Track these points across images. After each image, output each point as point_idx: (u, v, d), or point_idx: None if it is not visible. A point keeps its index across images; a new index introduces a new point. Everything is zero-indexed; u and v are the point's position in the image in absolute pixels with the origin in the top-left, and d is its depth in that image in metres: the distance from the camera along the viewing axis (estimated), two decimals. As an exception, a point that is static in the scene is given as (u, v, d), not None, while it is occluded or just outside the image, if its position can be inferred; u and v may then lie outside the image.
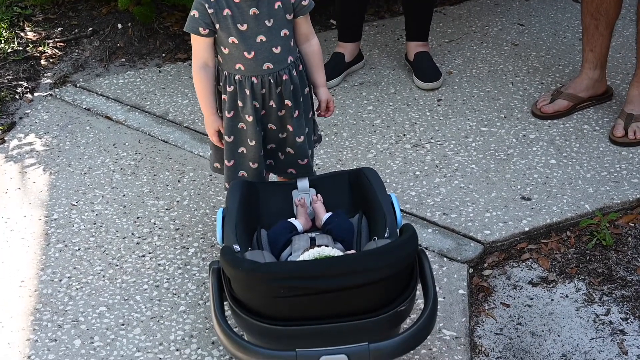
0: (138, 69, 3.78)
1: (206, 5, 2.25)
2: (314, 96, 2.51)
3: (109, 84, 3.66)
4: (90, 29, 4.05)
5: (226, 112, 2.37)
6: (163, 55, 3.89)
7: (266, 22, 2.29)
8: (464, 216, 2.83)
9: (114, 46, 3.95)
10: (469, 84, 3.60)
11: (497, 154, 3.15)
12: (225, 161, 2.46)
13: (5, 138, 3.30)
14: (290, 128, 2.42)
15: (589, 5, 3.26)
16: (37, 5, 4.23)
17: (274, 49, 2.31)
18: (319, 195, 2.45)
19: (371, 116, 3.38)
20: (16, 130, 3.35)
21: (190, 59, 3.80)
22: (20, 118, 3.44)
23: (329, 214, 2.39)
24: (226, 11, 2.26)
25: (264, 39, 2.29)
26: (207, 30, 2.28)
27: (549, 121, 3.33)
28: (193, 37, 2.31)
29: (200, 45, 2.32)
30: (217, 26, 2.27)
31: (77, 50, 3.93)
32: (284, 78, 2.35)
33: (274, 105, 2.38)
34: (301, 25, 2.39)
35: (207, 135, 3.18)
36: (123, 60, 3.86)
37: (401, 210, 2.44)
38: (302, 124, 2.43)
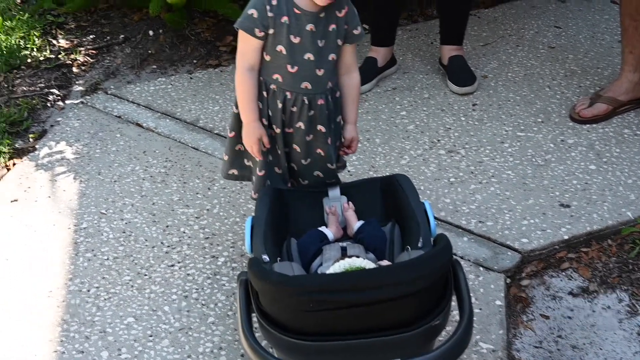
0: (169, 76, 3.75)
1: (267, 8, 2.16)
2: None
3: (140, 91, 3.63)
4: (122, 36, 4.03)
5: (263, 119, 2.31)
6: (194, 61, 3.86)
7: (319, 41, 2.21)
8: (501, 224, 2.75)
9: (146, 53, 3.93)
10: (505, 88, 3.52)
11: (534, 160, 3.07)
12: (257, 170, 2.40)
13: (37, 146, 3.28)
14: (322, 153, 2.36)
15: (628, 6, 3.17)
16: (70, 13, 4.23)
17: (317, 71, 2.24)
18: (350, 203, 2.39)
19: (404, 121, 3.32)
20: (47, 138, 3.33)
21: (221, 65, 3.81)
22: (52, 126, 3.43)
23: (361, 222, 2.33)
24: (285, 19, 2.17)
25: (311, 57, 2.22)
26: (262, 33, 2.18)
27: (588, 125, 3.25)
28: (244, 36, 2.21)
29: (250, 47, 2.22)
30: (272, 31, 2.18)
31: (108, 58, 3.92)
32: (319, 102, 2.28)
33: (302, 128, 2.30)
34: (346, 54, 2.32)
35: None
36: (154, 67, 3.84)
37: (435, 218, 2.37)
38: (333, 151, 2.38)
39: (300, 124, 2.30)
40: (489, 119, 3.31)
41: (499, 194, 2.90)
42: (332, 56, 2.26)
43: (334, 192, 2.41)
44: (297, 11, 2.18)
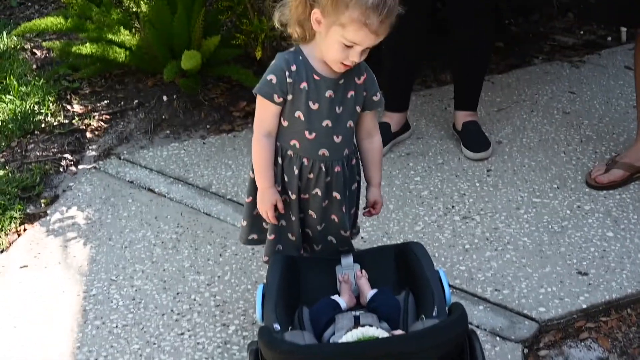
0: (182, 141, 3.75)
1: (286, 73, 2.15)
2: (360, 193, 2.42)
3: (152, 156, 3.62)
4: (136, 101, 4.05)
5: (277, 185, 2.28)
6: (207, 127, 3.86)
7: (337, 108, 2.20)
8: (517, 292, 2.69)
9: (159, 118, 3.93)
10: (520, 154, 3.49)
11: (550, 227, 3.02)
12: (268, 234, 2.37)
13: (48, 211, 3.26)
14: (336, 219, 2.33)
15: (643, 72, 3.16)
16: (85, 78, 4.25)
17: (335, 137, 2.23)
18: (363, 270, 2.35)
19: (418, 187, 3.29)
20: (59, 204, 3.31)
21: (235, 131, 3.80)
22: (64, 191, 3.41)
23: (374, 290, 2.28)
24: (304, 85, 2.16)
25: (329, 124, 2.20)
26: (281, 99, 2.17)
27: (605, 192, 3.20)
28: (262, 102, 2.19)
29: (268, 112, 2.20)
30: (290, 97, 2.17)
31: (122, 123, 3.92)
32: (336, 170, 2.26)
33: (319, 194, 2.28)
34: (366, 120, 2.31)
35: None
36: (167, 132, 3.84)
37: (450, 286, 2.33)
38: (347, 218, 2.35)
39: (317, 191, 2.28)
40: (504, 185, 3.28)
41: (515, 261, 2.85)
42: (350, 123, 2.25)
43: (347, 260, 2.38)
44: (316, 77, 2.17)
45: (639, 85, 3.19)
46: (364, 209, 2.43)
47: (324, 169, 2.24)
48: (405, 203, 3.19)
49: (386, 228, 3.04)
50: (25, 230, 3.16)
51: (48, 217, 3.22)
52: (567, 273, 2.77)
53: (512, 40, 4.50)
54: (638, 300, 2.65)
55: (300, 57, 2.17)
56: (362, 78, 2.24)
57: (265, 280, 2.28)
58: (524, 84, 4.09)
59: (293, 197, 2.28)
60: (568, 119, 3.75)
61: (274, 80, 2.16)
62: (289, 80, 2.15)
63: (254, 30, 3.72)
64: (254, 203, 2.37)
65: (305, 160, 2.24)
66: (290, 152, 2.24)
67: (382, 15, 2.03)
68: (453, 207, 3.15)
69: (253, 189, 2.35)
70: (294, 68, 2.15)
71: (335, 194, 2.29)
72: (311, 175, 2.25)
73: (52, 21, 4.06)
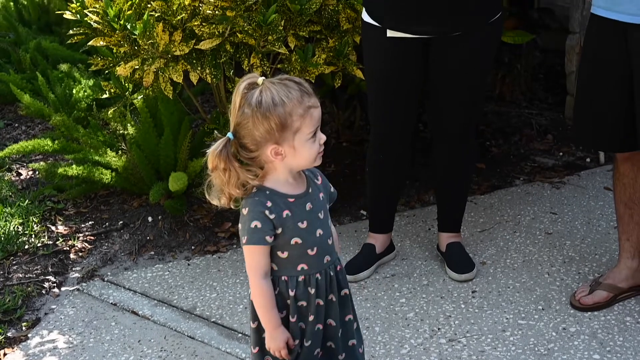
0: (167, 262, 3.74)
1: (266, 212, 2.15)
2: None
3: (136, 277, 3.60)
4: (121, 222, 4.06)
5: (290, 316, 2.25)
6: (192, 247, 3.86)
7: (319, 214, 2.25)
8: (506, 418, 2.66)
9: (144, 239, 3.93)
10: (504, 275, 3.50)
11: (536, 349, 3.00)
12: None
13: (29, 335, 3.22)
14: (351, 318, 2.36)
15: (621, 194, 3.21)
16: (70, 199, 4.27)
17: (328, 241, 2.28)
18: (351, 395, 2.32)
19: (404, 309, 3.28)
20: (40, 327, 3.27)
21: (220, 252, 3.80)
22: (46, 314, 3.37)
23: (362, 417, 2.25)
24: (286, 212, 2.18)
25: (321, 232, 2.24)
26: (272, 238, 2.17)
27: (589, 313, 3.20)
28: (252, 248, 2.17)
29: (261, 255, 2.19)
30: (280, 230, 2.17)
31: (106, 244, 3.92)
32: (338, 268, 2.30)
33: (334, 299, 2.29)
34: None
35: (234, 330, 3.10)
36: (152, 253, 3.84)
37: (438, 413, 2.29)
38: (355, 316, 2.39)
39: (332, 296, 2.29)
40: (489, 307, 3.28)
41: (503, 385, 2.82)
42: (329, 222, 2.31)
43: (335, 385, 2.34)
44: (291, 200, 2.20)
45: (619, 207, 3.24)
46: None
47: (332, 273, 2.28)
48: (391, 325, 3.17)
49: (372, 351, 3.02)
50: (5, 354, 3.10)
51: (29, 341, 3.18)
52: (556, 397, 2.75)
53: (493, 161, 4.58)
54: None
55: (267, 192, 2.18)
56: (320, 178, 2.32)
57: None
58: (506, 204, 4.14)
59: (311, 318, 2.26)
60: (550, 240, 3.78)
61: (259, 225, 2.15)
62: (271, 216, 2.15)
63: (239, 152, 3.77)
64: (261, 353, 2.32)
65: (318, 275, 2.25)
66: (301, 278, 2.24)
67: (307, 89, 2.15)
68: (439, 329, 3.14)
69: (259, 340, 2.31)
70: (269, 204, 2.16)
71: (344, 290, 2.32)
72: (325, 285, 2.27)
73: (39, 143, 4.11)
